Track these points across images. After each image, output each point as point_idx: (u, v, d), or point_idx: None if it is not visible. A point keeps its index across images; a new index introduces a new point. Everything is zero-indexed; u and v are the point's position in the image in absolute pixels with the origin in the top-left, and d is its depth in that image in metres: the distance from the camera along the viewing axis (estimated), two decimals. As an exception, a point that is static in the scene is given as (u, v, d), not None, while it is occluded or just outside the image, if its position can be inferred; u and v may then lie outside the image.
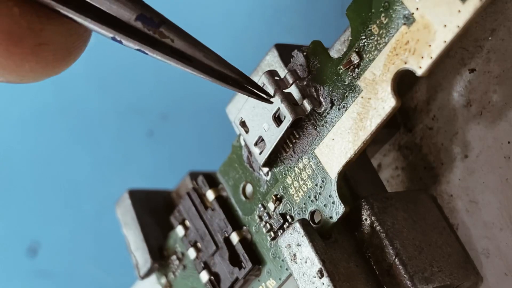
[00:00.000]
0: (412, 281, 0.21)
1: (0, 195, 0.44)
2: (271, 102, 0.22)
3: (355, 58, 0.21)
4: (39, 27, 0.18)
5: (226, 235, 0.25)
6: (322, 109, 0.22)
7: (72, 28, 0.19)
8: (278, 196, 0.24)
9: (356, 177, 0.23)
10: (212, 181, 0.26)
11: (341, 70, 0.22)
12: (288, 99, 0.22)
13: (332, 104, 0.22)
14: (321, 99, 0.22)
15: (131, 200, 0.28)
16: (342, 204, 0.22)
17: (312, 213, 0.23)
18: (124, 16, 0.18)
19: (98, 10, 0.18)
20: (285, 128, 0.22)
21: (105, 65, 0.41)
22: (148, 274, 0.28)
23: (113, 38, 0.19)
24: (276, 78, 0.23)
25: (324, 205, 0.22)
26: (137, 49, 0.19)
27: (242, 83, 0.21)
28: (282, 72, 0.23)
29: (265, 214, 0.24)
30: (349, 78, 0.21)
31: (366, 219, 0.22)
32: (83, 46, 0.19)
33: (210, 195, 0.26)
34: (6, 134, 0.44)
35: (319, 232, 0.21)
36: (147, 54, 0.19)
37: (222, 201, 0.26)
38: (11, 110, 0.43)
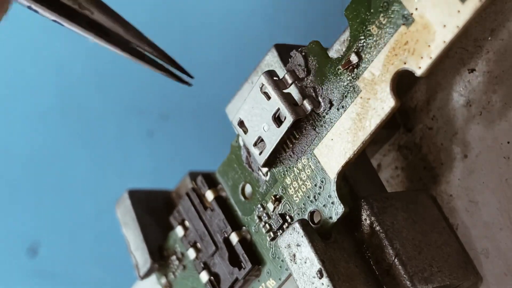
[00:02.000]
0: (411, 281, 0.21)
1: (0, 195, 0.44)
2: (191, 85, 0.22)
3: (354, 59, 0.21)
4: None
5: (226, 235, 0.25)
6: (321, 110, 0.22)
7: None
8: (278, 197, 0.24)
9: (355, 177, 0.23)
10: (211, 181, 0.26)
11: (340, 71, 0.22)
12: (288, 99, 0.22)
13: (331, 104, 0.22)
14: (320, 99, 0.22)
15: (131, 200, 0.28)
16: (341, 204, 0.22)
17: (312, 213, 0.23)
18: None
19: None
20: (286, 128, 0.22)
21: (105, 65, 0.41)
22: (148, 274, 0.28)
23: (29, 7, 0.18)
24: (275, 78, 0.22)
25: (324, 205, 0.22)
26: (53, 20, 0.19)
27: (162, 62, 0.21)
28: (282, 72, 0.23)
29: (264, 215, 0.24)
30: (348, 79, 0.21)
31: (365, 219, 0.22)
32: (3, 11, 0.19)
33: (209, 195, 0.26)
34: (6, 134, 0.44)
35: (318, 233, 0.21)
36: (63, 25, 0.19)
37: (221, 201, 0.26)
38: (11, 110, 0.43)
